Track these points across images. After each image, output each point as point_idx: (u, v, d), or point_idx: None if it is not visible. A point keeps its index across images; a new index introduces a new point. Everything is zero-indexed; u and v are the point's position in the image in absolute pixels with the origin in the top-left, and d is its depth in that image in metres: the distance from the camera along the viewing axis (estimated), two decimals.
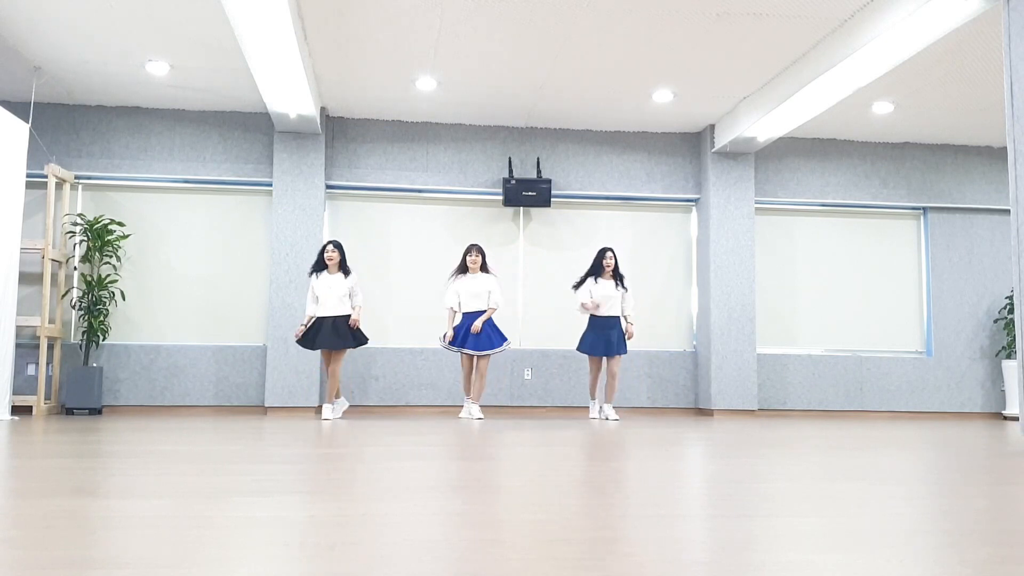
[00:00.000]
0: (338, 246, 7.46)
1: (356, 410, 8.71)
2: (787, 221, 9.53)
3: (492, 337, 7.70)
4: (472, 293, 7.72)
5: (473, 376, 7.72)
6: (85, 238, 8.34)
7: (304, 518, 2.12)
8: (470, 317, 7.71)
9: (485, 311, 7.70)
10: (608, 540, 1.87)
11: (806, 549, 1.79)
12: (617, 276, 7.88)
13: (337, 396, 7.51)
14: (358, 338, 7.40)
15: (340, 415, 7.56)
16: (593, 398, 8.04)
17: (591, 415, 8.06)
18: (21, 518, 2.09)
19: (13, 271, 7.08)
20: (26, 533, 1.89)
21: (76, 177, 8.53)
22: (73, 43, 7.04)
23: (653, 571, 1.57)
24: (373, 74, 7.69)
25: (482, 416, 7.68)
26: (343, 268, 7.44)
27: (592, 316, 7.81)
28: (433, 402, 8.76)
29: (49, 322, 8.05)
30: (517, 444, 4.68)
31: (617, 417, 7.77)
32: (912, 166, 9.57)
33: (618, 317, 7.82)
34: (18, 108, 8.26)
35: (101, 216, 8.39)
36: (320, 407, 8.29)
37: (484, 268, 7.82)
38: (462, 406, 8.45)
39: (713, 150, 9.02)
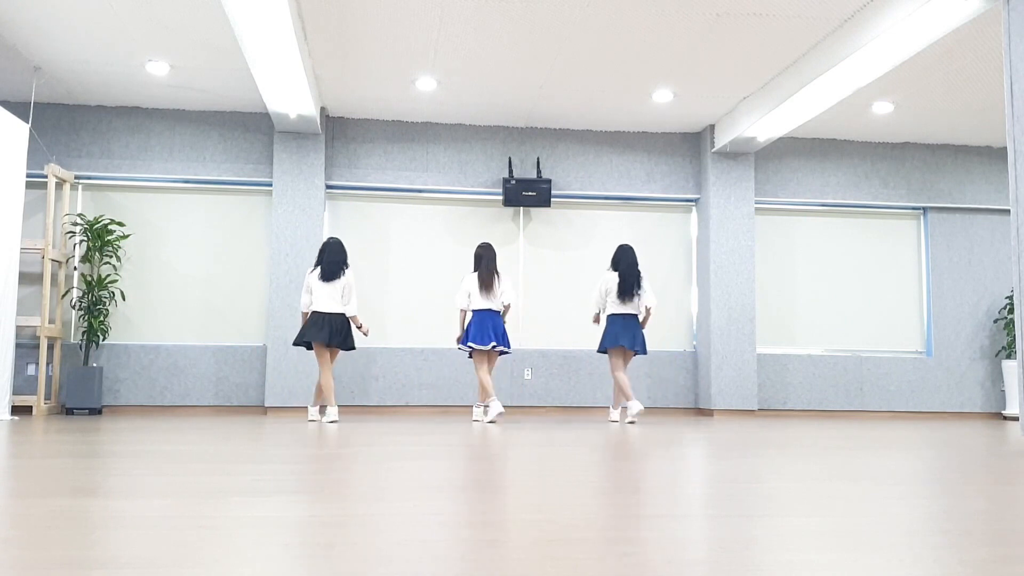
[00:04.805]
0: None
1: (356, 410, 8.71)
2: (787, 221, 9.53)
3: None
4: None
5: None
6: (85, 238, 8.34)
7: (304, 518, 2.12)
8: (484, 314, 7.24)
9: (500, 310, 7.30)
10: (608, 540, 1.87)
11: (806, 549, 1.79)
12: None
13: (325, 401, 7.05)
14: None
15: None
16: (618, 405, 7.53)
17: (613, 419, 7.53)
18: (21, 518, 2.09)
19: (13, 271, 7.08)
20: (26, 533, 1.89)
21: (76, 177, 8.53)
22: (73, 43, 7.04)
23: (653, 571, 1.57)
24: (373, 74, 7.69)
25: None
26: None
27: (612, 314, 7.40)
28: (433, 402, 8.76)
29: (49, 322, 8.05)
30: (517, 444, 4.68)
31: (617, 420, 7.50)
32: (912, 166, 9.57)
33: (637, 315, 7.42)
34: (18, 108, 8.26)
35: (101, 216, 8.39)
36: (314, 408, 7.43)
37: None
38: (472, 407, 8.12)
39: (713, 150, 9.02)
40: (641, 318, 7.44)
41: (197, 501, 2.40)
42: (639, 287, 7.42)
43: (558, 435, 5.50)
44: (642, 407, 7.14)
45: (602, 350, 7.46)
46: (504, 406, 8.83)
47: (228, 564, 1.60)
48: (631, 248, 7.51)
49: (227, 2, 5.59)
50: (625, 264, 7.44)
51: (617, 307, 7.42)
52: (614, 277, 7.46)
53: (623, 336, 7.32)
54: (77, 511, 2.20)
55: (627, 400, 7.20)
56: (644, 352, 7.40)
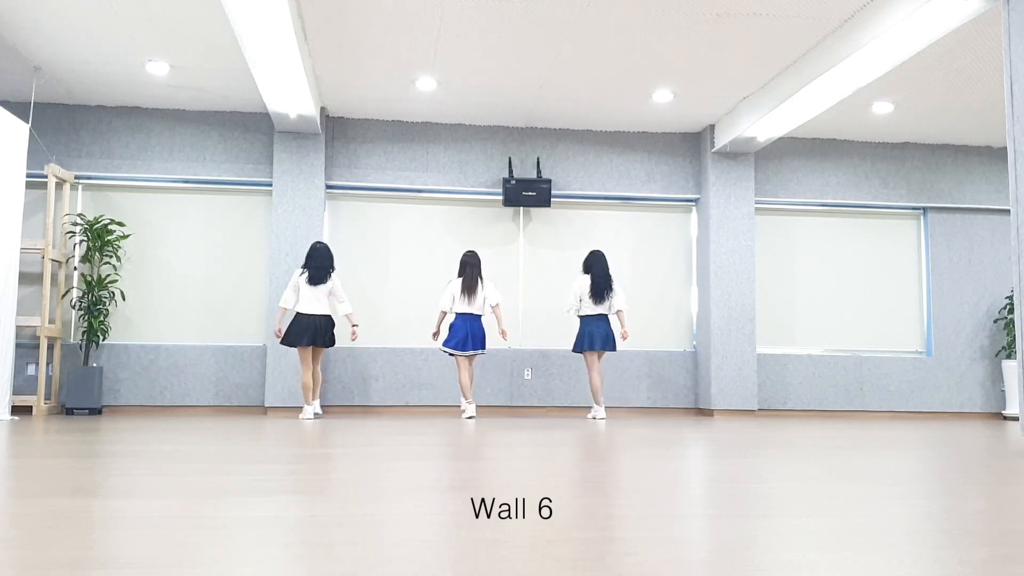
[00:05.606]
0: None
1: (356, 410, 8.71)
2: (787, 221, 9.53)
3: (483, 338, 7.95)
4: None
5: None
6: (85, 238, 8.34)
7: (304, 518, 2.12)
8: (466, 318, 7.82)
9: (480, 315, 7.86)
10: (608, 540, 1.87)
11: (806, 549, 1.79)
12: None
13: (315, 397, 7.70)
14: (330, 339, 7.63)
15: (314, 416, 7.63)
16: (599, 403, 8.00)
17: (599, 416, 8.02)
18: (21, 518, 2.09)
19: (13, 271, 7.08)
20: (26, 533, 1.89)
21: (76, 177, 8.53)
22: (73, 43, 7.04)
23: (653, 571, 1.57)
24: (373, 74, 7.69)
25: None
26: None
27: (584, 316, 7.91)
28: (433, 402, 8.76)
29: (49, 322, 8.05)
30: (516, 444, 4.68)
31: (603, 416, 7.99)
32: (912, 166, 9.57)
33: (607, 315, 7.91)
34: (18, 108, 8.26)
35: (101, 216, 8.39)
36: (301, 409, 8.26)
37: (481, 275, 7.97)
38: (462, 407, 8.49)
39: (713, 150, 9.02)
40: (613, 319, 8.02)
41: (197, 501, 2.40)
42: (610, 290, 7.89)
43: (558, 435, 5.50)
44: (604, 416, 7.96)
45: (577, 350, 7.96)
46: (504, 406, 8.85)
47: (228, 564, 1.60)
48: (602, 253, 8.02)
49: (227, 2, 5.59)
50: (597, 268, 7.92)
51: (589, 309, 7.90)
52: (587, 280, 7.93)
53: (595, 338, 7.83)
54: (77, 511, 2.20)
55: (596, 404, 7.95)
56: (614, 349, 7.90)
